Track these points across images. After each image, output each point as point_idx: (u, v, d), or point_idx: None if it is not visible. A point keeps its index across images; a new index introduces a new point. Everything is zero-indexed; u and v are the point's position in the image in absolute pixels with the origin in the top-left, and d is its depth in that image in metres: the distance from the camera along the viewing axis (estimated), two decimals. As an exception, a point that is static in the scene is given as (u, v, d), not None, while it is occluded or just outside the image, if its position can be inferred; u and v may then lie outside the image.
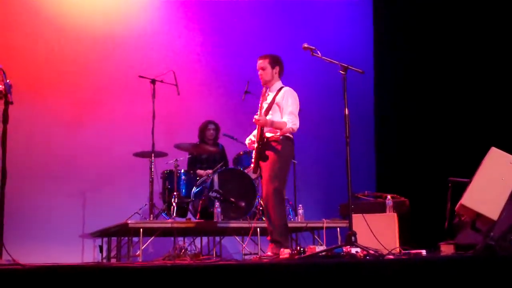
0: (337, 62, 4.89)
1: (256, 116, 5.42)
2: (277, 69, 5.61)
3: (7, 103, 4.11)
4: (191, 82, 8.56)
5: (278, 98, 5.49)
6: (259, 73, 5.62)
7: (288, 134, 5.47)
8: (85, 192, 7.89)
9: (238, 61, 8.79)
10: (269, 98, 5.57)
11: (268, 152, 5.42)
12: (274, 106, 5.48)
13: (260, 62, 5.61)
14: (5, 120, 4.10)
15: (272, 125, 5.42)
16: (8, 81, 4.16)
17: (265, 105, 5.54)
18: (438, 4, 8.56)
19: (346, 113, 4.74)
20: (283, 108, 5.45)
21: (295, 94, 5.55)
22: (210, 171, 7.16)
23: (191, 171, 7.15)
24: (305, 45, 5.04)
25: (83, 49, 8.26)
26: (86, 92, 8.19)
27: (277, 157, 5.39)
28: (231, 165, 7.39)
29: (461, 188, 4.97)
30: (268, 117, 5.46)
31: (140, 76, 6.92)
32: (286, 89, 5.55)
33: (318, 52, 5.02)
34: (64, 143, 7.88)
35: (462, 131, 7.99)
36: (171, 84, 6.94)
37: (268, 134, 5.46)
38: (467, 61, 8.12)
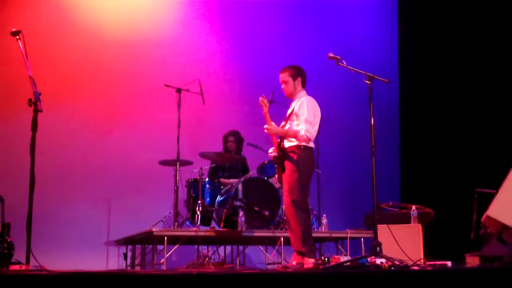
0: (363, 72, 4.86)
1: (266, 126, 5.44)
2: (299, 80, 5.60)
3: (36, 111, 4.18)
4: (216, 91, 8.59)
5: (296, 108, 5.50)
6: (282, 87, 5.65)
7: (306, 144, 5.41)
8: (111, 200, 7.94)
9: (263, 69, 8.80)
10: (291, 109, 5.59)
11: (286, 163, 5.41)
12: (293, 116, 5.49)
13: (282, 76, 5.62)
14: (34, 128, 4.17)
15: (281, 132, 5.42)
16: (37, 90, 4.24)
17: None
18: (465, 7, 8.46)
19: (372, 122, 4.72)
20: (299, 117, 5.45)
21: (313, 103, 5.52)
22: (234, 180, 7.18)
23: (215, 180, 7.16)
24: (331, 54, 5.02)
25: (109, 58, 8.35)
26: (112, 101, 8.27)
27: (296, 168, 5.36)
28: (255, 174, 7.39)
29: (487, 199, 4.93)
30: (287, 126, 5.49)
31: (166, 85, 6.97)
32: (304, 98, 5.52)
33: (344, 61, 4.99)
34: (90, 151, 7.97)
35: (488, 141, 7.90)
36: (196, 93, 6.97)
37: (286, 144, 5.46)
38: (494, 69, 8.05)
